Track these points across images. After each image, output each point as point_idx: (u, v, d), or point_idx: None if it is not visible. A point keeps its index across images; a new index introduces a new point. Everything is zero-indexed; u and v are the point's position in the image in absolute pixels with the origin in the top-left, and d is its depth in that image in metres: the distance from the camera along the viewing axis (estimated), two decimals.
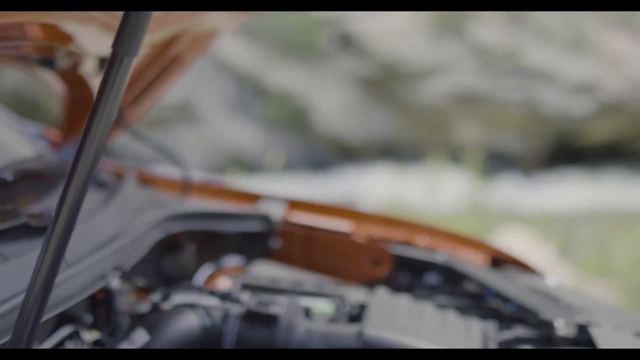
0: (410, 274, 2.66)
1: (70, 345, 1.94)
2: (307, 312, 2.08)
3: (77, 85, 2.52)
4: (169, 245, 2.52)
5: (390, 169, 10.11)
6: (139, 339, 1.88)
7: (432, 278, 2.60)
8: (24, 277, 1.52)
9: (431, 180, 8.71)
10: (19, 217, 1.80)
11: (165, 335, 1.90)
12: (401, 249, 2.67)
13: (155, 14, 1.18)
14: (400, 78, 10.69)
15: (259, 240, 2.74)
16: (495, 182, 9.51)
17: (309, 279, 2.48)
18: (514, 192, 9.68)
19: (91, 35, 1.83)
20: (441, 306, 2.34)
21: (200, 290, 2.09)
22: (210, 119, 10.82)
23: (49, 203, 2.02)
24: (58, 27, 1.74)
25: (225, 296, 2.03)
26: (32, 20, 1.65)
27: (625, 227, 7.76)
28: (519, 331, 2.14)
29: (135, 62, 2.60)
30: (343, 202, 3.01)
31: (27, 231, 1.80)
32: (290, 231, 2.75)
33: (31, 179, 2.11)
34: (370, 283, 2.61)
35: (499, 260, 2.68)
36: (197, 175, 2.97)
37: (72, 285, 1.74)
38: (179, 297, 2.14)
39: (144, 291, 2.43)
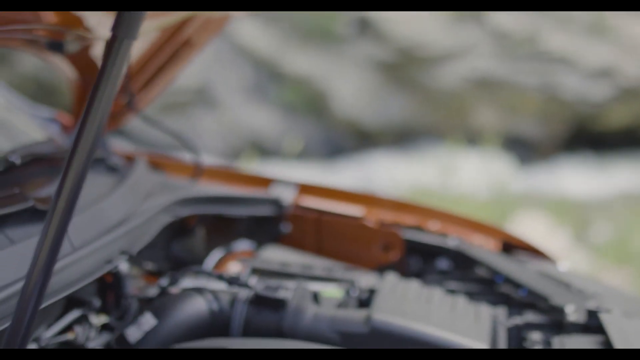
0: (421, 259, 2.65)
1: (78, 328, 1.95)
2: (316, 297, 2.07)
3: (87, 69, 2.52)
4: (179, 230, 2.52)
5: (408, 154, 10.08)
6: (147, 323, 1.88)
7: (443, 263, 2.59)
8: (30, 261, 1.52)
9: (449, 165, 8.68)
10: (27, 200, 1.80)
11: (173, 319, 1.89)
12: (412, 233, 2.66)
13: None
14: (418, 62, 10.64)
15: (269, 225, 2.74)
16: (513, 167, 9.46)
17: (319, 263, 2.48)
18: (531, 176, 9.62)
19: (100, 19, 1.83)
20: (451, 291, 2.34)
21: (209, 274, 2.09)
22: (228, 103, 10.80)
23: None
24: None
25: (233, 280, 2.02)
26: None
27: None
28: (530, 317, 2.13)
29: (145, 46, 2.60)
30: (359, 187, 3.00)
31: (34, 215, 1.80)
32: (300, 215, 2.74)
33: (40, 163, 2.11)
34: (381, 268, 2.60)
35: (510, 246, 2.67)
36: (210, 159, 2.96)
37: (79, 268, 1.75)
38: (187, 281, 2.14)
39: (154, 275, 2.44)
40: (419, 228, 2.69)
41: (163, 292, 2.05)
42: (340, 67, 10.84)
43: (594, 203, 8.58)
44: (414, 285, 2.17)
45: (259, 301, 1.96)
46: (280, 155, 9.24)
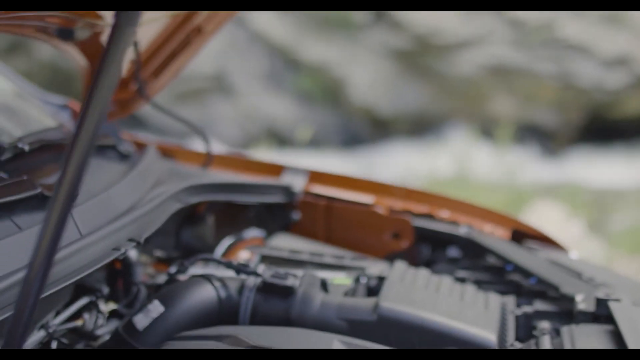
0: (431, 247, 2.64)
1: (87, 315, 1.96)
2: (324, 285, 2.06)
3: (97, 57, 2.52)
4: (188, 217, 2.52)
5: (423, 142, 10.06)
6: (154, 310, 1.87)
7: (453, 251, 2.59)
8: None
9: (464, 154, 8.65)
10: (35, 187, 1.80)
11: (181, 306, 1.89)
12: (423, 221, 2.65)
13: None
14: (435, 50, 10.60)
15: (279, 212, 2.73)
16: (528, 155, 9.43)
17: (328, 251, 2.47)
18: (547, 165, 9.59)
19: None
20: (461, 279, 2.33)
21: (217, 261, 2.09)
22: (245, 90, 10.80)
23: None
24: None
25: (241, 268, 2.02)
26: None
27: None
28: (539, 305, 2.12)
29: (156, 34, 2.60)
30: (374, 175, 3.00)
31: (42, 202, 1.80)
32: (311, 202, 2.74)
33: (49, 150, 2.11)
34: (391, 256, 2.59)
35: (521, 234, 2.66)
36: (225, 147, 2.96)
37: (86, 255, 1.75)
38: (196, 269, 2.14)
39: (164, 263, 2.44)
40: (429, 216, 2.68)
41: (171, 279, 2.05)
42: (357, 55, 10.82)
43: (610, 192, 8.54)
44: (422, 274, 2.16)
45: (267, 289, 1.95)
46: (295, 143, 9.24)
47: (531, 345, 1.89)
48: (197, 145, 2.87)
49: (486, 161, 8.68)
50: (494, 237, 2.59)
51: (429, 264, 2.59)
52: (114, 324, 2.00)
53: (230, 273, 2.06)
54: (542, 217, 6.77)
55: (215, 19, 2.60)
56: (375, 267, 2.28)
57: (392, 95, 10.78)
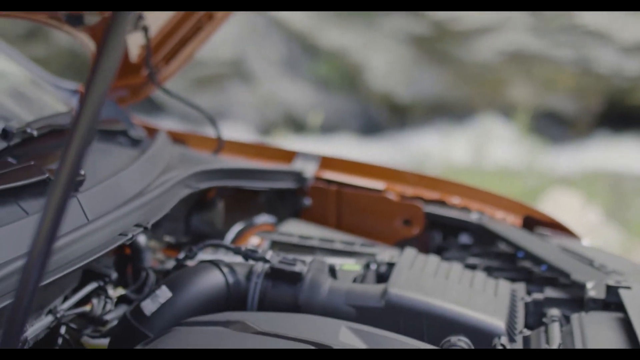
0: (442, 234, 2.63)
1: (95, 300, 1.96)
2: (332, 271, 2.06)
3: None
4: (198, 203, 2.52)
5: (441, 128, 10.02)
6: (162, 295, 1.87)
7: (464, 238, 2.57)
8: None
9: (482, 140, 8.62)
10: (42, 172, 1.80)
11: (188, 292, 1.89)
12: (434, 207, 2.64)
13: None
14: (453, 36, 10.55)
15: (290, 198, 2.73)
16: (546, 142, 9.37)
17: (339, 237, 2.46)
18: (565, 151, 9.53)
19: None
20: (471, 266, 2.32)
21: (225, 247, 2.08)
22: (263, 76, 10.80)
23: None
24: None
25: (249, 253, 2.01)
26: None
27: None
28: (549, 292, 2.11)
29: (167, 19, 2.59)
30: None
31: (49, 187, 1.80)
32: (322, 188, 2.73)
33: (58, 135, 2.11)
34: (402, 242, 2.58)
35: (532, 221, 2.64)
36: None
37: (92, 240, 1.75)
38: (204, 254, 2.14)
39: (175, 249, 2.44)
40: (440, 202, 2.67)
41: (179, 265, 2.05)
42: (375, 41, 10.78)
43: (628, 178, 8.48)
44: (432, 260, 2.15)
45: (275, 274, 1.95)
46: (313, 129, 9.23)
47: (540, 332, 1.88)
48: (212, 132, 2.87)
49: (504, 148, 8.64)
50: (506, 223, 2.58)
51: (440, 250, 2.58)
52: (123, 309, 2.00)
53: (238, 259, 2.05)
54: (560, 204, 6.73)
55: None
56: (385, 254, 2.26)
57: (410, 81, 10.74)
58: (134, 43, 2.61)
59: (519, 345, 1.83)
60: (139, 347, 1.70)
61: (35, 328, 1.70)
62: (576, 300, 2.07)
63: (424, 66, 10.75)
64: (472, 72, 10.59)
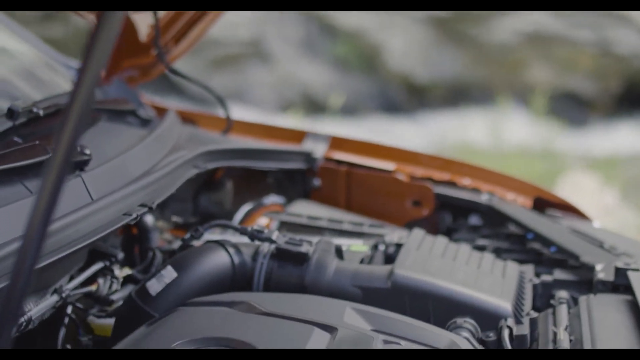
0: (452, 215, 2.62)
1: (101, 280, 1.96)
2: (339, 251, 2.05)
3: None
4: (207, 183, 2.51)
5: (460, 109, 9.98)
6: (168, 275, 1.87)
7: (474, 219, 2.56)
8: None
9: (499, 122, 8.57)
10: (47, 152, 1.80)
11: (194, 272, 1.88)
12: (444, 188, 2.62)
13: None
14: (472, 17, 10.49)
15: (299, 178, 2.72)
16: (565, 124, 9.31)
17: (348, 218, 2.45)
18: (583, 134, 9.46)
19: None
20: (480, 247, 2.30)
21: (231, 227, 2.07)
22: (281, 57, 10.78)
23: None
24: None
25: (256, 234, 2.00)
26: None
27: None
28: (558, 274, 2.09)
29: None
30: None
31: None
32: (331, 169, 2.72)
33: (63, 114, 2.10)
34: (412, 223, 2.57)
35: (543, 202, 2.62)
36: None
37: (96, 220, 1.75)
38: (211, 235, 2.13)
39: (183, 229, 2.44)
40: (451, 183, 2.65)
41: (185, 245, 2.04)
42: (393, 22, 10.73)
43: None
44: (440, 241, 2.14)
45: (281, 255, 1.94)
46: (331, 111, 9.20)
47: (548, 314, 1.87)
48: (219, 112, 2.86)
49: (522, 130, 8.59)
50: (516, 205, 2.56)
51: (449, 231, 2.56)
52: (129, 289, 2.00)
53: (244, 239, 2.05)
54: (577, 186, 6.70)
55: None
56: (394, 235, 2.25)
57: (429, 62, 10.69)
58: (144, 22, 2.61)
59: (525, 327, 1.82)
60: (143, 327, 1.70)
61: (40, 307, 1.70)
62: (585, 282, 2.05)
63: (443, 47, 10.69)
64: (490, 53, 10.53)
